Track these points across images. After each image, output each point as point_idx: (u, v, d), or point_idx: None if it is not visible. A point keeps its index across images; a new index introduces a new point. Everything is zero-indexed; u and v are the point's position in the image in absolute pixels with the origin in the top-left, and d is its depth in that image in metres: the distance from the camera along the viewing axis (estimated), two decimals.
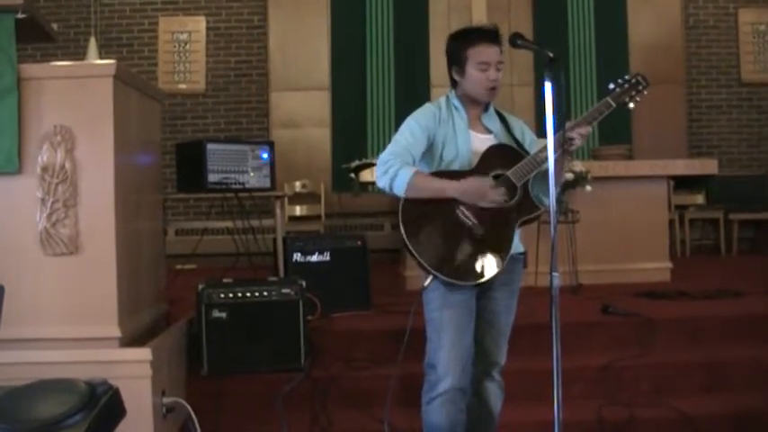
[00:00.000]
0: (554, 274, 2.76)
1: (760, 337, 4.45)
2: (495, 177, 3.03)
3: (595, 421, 3.79)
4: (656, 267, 6.12)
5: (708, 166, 6.36)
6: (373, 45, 8.87)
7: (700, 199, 8.90)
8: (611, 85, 3.12)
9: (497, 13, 8.00)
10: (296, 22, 8.91)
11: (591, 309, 4.78)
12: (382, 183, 3.04)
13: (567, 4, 9.03)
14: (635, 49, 8.94)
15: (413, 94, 8.23)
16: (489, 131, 3.18)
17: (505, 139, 3.17)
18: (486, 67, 3.07)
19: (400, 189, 2.98)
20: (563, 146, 2.94)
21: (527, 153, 3.08)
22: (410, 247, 2.97)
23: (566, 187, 5.50)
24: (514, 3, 8.96)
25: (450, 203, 2.99)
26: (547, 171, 3.02)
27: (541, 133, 2.92)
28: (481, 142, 3.12)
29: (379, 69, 8.86)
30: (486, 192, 2.96)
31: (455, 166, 3.09)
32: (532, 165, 3.02)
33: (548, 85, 2.76)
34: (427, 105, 3.19)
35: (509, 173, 3.02)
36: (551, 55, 2.79)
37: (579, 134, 2.97)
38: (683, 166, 6.43)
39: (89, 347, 3.26)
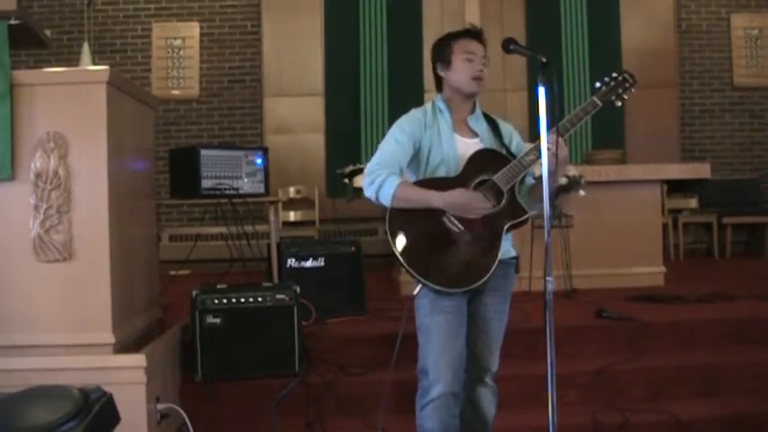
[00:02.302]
0: (548, 278, 2.76)
1: (754, 342, 4.46)
2: (481, 183, 3.03)
3: (590, 426, 3.79)
4: (649, 271, 6.13)
5: (701, 170, 6.37)
6: (367, 51, 8.88)
7: (693, 203, 8.92)
8: (598, 84, 3.12)
9: (490, 19, 8.03)
10: (290, 28, 8.92)
11: (585, 313, 4.78)
12: (369, 193, 3.04)
13: (560, 10, 9.05)
14: (628, 54, 8.96)
15: (406, 99, 8.20)
16: (475, 134, 3.18)
17: (492, 143, 3.17)
18: (472, 57, 3.11)
19: (386, 199, 2.99)
20: (562, 134, 2.95)
21: (514, 157, 3.08)
22: (398, 256, 2.96)
23: (559, 192, 5.50)
24: (507, 9, 8.98)
25: (437, 211, 2.98)
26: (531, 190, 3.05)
27: (535, 138, 2.93)
28: (467, 146, 3.12)
29: (372, 75, 8.87)
30: (470, 205, 2.95)
31: (441, 171, 3.09)
32: (518, 169, 3.01)
33: (541, 90, 2.77)
34: (412, 112, 3.20)
35: (495, 177, 3.01)
36: (544, 60, 2.79)
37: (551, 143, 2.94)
38: (676, 171, 6.44)
39: (83, 354, 3.25)
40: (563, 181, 5.44)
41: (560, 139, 2.94)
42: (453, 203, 2.95)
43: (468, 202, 2.95)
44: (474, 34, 3.18)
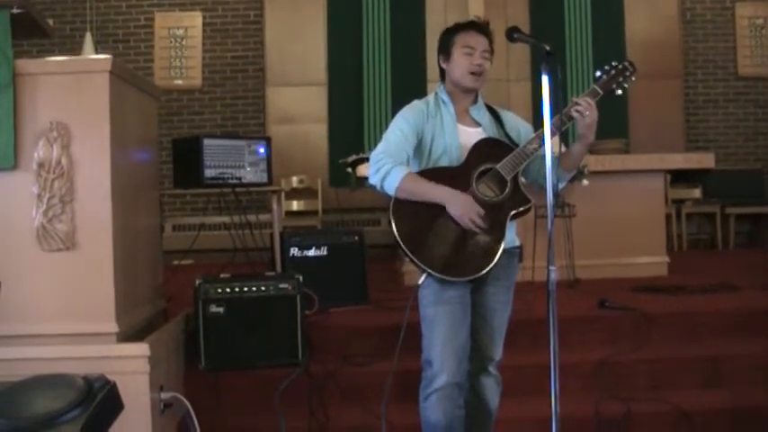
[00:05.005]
0: (551, 268, 2.77)
1: (757, 332, 4.46)
2: (484, 172, 3.02)
3: (593, 416, 3.80)
4: (652, 262, 6.13)
5: (705, 161, 6.35)
6: (370, 40, 8.86)
7: (696, 193, 8.91)
8: (598, 73, 3.12)
9: (494, 8, 7.99)
10: (292, 18, 8.90)
11: (588, 303, 4.78)
12: (374, 180, 3.04)
13: None
14: (632, 44, 8.94)
15: (409, 89, 8.18)
16: (478, 124, 3.18)
17: (494, 133, 3.17)
18: (471, 51, 3.10)
19: (391, 189, 2.99)
20: (560, 129, 2.95)
21: (516, 146, 3.08)
22: (402, 245, 2.96)
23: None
24: None
25: None
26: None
27: (538, 127, 2.93)
28: (469, 136, 3.12)
29: (375, 65, 8.86)
30: (469, 216, 2.93)
31: (444, 161, 3.09)
32: (521, 157, 3.01)
33: (545, 79, 2.76)
34: (415, 102, 3.20)
35: (498, 166, 3.01)
36: (548, 49, 2.79)
37: (577, 111, 2.96)
38: (679, 161, 6.43)
39: (86, 343, 3.26)
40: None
41: (592, 102, 2.96)
42: (454, 204, 2.94)
43: (468, 210, 2.94)
44: (478, 27, 3.16)
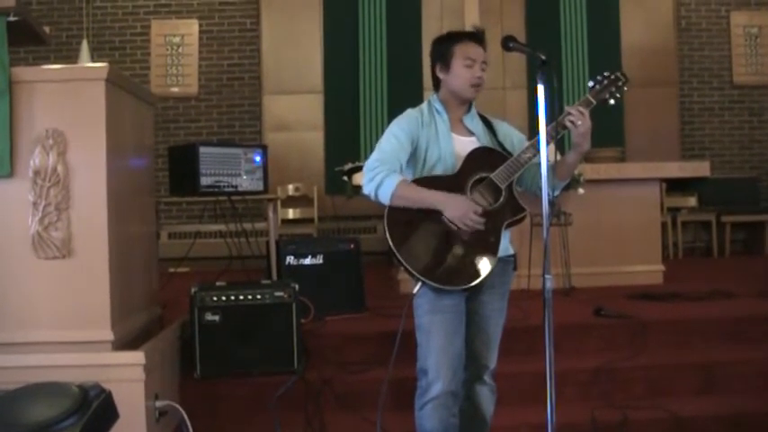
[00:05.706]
0: (547, 276, 2.77)
1: (753, 339, 4.47)
2: (479, 180, 3.03)
3: (589, 423, 3.79)
4: (648, 270, 6.13)
5: (700, 169, 6.37)
6: (366, 48, 8.87)
7: (692, 201, 8.92)
8: (591, 83, 3.13)
9: (490, 16, 8.01)
10: (289, 26, 8.92)
11: (584, 311, 4.78)
12: (368, 190, 3.04)
13: (560, 8, 9.03)
14: (628, 52, 8.95)
15: (405, 97, 8.18)
16: (472, 133, 3.19)
17: (488, 142, 3.18)
18: (472, 63, 3.10)
19: (385, 197, 2.98)
20: (555, 138, 2.96)
21: (510, 155, 3.08)
22: (397, 254, 2.95)
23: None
24: (507, 6, 8.97)
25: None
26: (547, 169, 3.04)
27: (533, 136, 2.94)
28: (463, 145, 3.12)
29: (371, 72, 8.86)
30: (467, 215, 2.92)
31: (438, 170, 3.09)
32: (516, 166, 3.01)
33: (540, 88, 2.77)
34: (409, 111, 3.20)
35: (493, 175, 3.02)
36: (544, 57, 2.80)
37: (570, 120, 2.96)
38: (675, 169, 6.44)
39: (82, 351, 3.25)
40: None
41: (584, 111, 2.96)
42: (452, 209, 2.94)
43: (466, 210, 2.93)
44: (476, 38, 3.17)
